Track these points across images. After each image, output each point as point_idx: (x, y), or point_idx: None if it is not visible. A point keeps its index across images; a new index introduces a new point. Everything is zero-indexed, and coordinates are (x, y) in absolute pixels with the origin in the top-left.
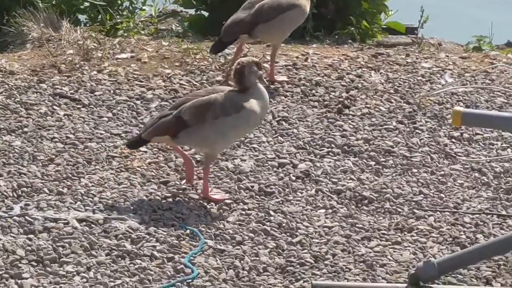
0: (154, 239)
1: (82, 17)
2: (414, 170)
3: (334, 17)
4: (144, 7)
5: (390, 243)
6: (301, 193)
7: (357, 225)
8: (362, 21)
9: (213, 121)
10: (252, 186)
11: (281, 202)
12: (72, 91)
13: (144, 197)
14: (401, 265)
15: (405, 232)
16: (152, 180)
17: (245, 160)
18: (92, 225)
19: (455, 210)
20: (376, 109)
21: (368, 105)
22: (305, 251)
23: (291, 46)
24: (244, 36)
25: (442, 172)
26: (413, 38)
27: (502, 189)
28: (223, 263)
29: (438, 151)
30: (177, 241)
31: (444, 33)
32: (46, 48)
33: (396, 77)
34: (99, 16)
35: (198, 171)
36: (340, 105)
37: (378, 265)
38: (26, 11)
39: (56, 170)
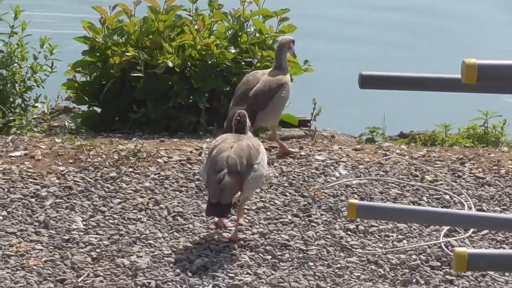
0: None
1: None
2: (311, 264)
3: (227, 111)
4: (36, 104)
5: None
6: None
7: None
8: None
9: None
10: (149, 283)
11: None
12: None
13: None
14: None
15: None
16: (49, 279)
17: (141, 256)
18: None
19: None
20: (271, 202)
21: (263, 199)
22: None
23: (185, 141)
24: None
25: (339, 265)
26: (306, 131)
27: (399, 281)
28: None
29: (334, 243)
30: None
31: (337, 125)
32: None
33: (290, 170)
34: None
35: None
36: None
37: None
38: None
39: None
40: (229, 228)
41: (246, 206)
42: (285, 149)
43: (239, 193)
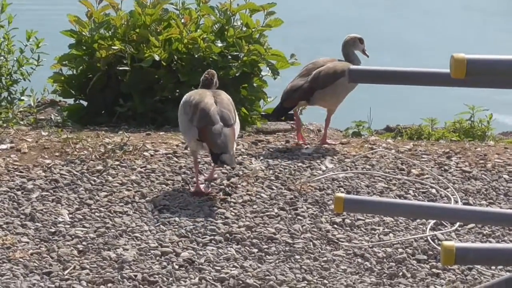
0: None
1: None
2: (297, 257)
3: None
4: (22, 98)
5: None
6: (185, 281)
7: None
8: (241, 108)
9: None
10: (135, 276)
11: None
12: None
13: None
14: None
15: None
16: (35, 271)
17: (127, 249)
18: None
19: None
20: (258, 196)
21: (249, 192)
22: None
23: (171, 134)
24: (303, 102)
25: (325, 258)
26: (292, 125)
27: (385, 274)
28: None
29: (321, 237)
30: None
31: (323, 119)
32: None
33: (276, 164)
34: None
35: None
36: (221, 193)
37: None
38: None
39: None
40: (213, 177)
41: (233, 199)
42: (325, 140)
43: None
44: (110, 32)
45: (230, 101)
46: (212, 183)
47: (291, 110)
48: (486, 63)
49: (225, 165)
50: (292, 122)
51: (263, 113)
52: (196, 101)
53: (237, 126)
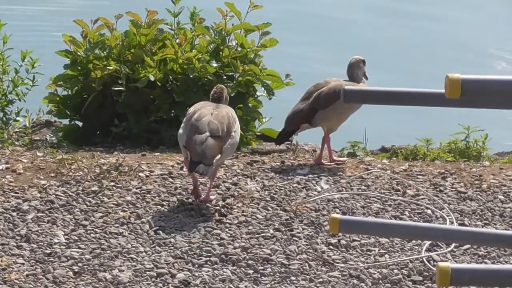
0: None
1: None
2: (293, 278)
3: None
4: (18, 118)
5: None
6: None
7: None
8: None
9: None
10: None
11: None
12: None
13: None
14: None
15: None
16: None
17: (123, 271)
18: None
19: None
20: (253, 217)
21: (244, 213)
22: None
23: (167, 155)
24: (305, 125)
25: (321, 280)
26: (287, 145)
27: None
28: None
29: (316, 258)
30: None
31: (319, 140)
32: None
33: (272, 184)
34: None
35: None
36: (216, 214)
37: None
38: None
39: None
40: (210, 199)
41: (228, 220)
42: (332, 157)
43: (219, 156)
44: (105, 52)
45: (230, 115)
46: (208, 204)
47: (295, 134)
48: (481, 83)
49: (198, 174)
50: (287, 142)
51: (258, 133)
52: (194, 110)
53: (230, 140)
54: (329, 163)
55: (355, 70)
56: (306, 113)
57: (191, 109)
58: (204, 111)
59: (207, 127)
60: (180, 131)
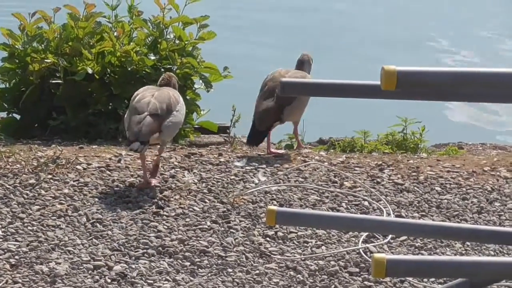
0: None
1: None
2: (229, 270)
3: None
4: None
5: None
6: None
7: None
8: None
9: None
10: None
11: None
12: None
13: None
14: None
15: None
16: None
17: (60, 263)
18: None
19: None
20: (190, 209)
21: (182, 206)
22: None
23: (104, 147)
24: (276, 123)
25: (257, 271)
26: (225, 137)
27: (317, 287)
28: None
29: (253, 250)
30: None
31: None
32: None
33: (209, 177)
34: None
35: None
36: (154, 206)
37: None
38: None
39: None
40: (150, 181)
41: (166, 213)
42: (301, 146)
43: (158, 134)
44: (43, 45)
45: (171, 95)
46: (145, 197)
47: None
48: (416, 75)
49: (132, 151)
50: (225, 135)
51: (196, 126)
52: (137, 93)
53: (171, 117)
54: (280, 152)
55: (304, 65)
56: (275, 111)
57: (135, 94)
58: (146, 93)
59: (146, 107)
60: (125, 116)
